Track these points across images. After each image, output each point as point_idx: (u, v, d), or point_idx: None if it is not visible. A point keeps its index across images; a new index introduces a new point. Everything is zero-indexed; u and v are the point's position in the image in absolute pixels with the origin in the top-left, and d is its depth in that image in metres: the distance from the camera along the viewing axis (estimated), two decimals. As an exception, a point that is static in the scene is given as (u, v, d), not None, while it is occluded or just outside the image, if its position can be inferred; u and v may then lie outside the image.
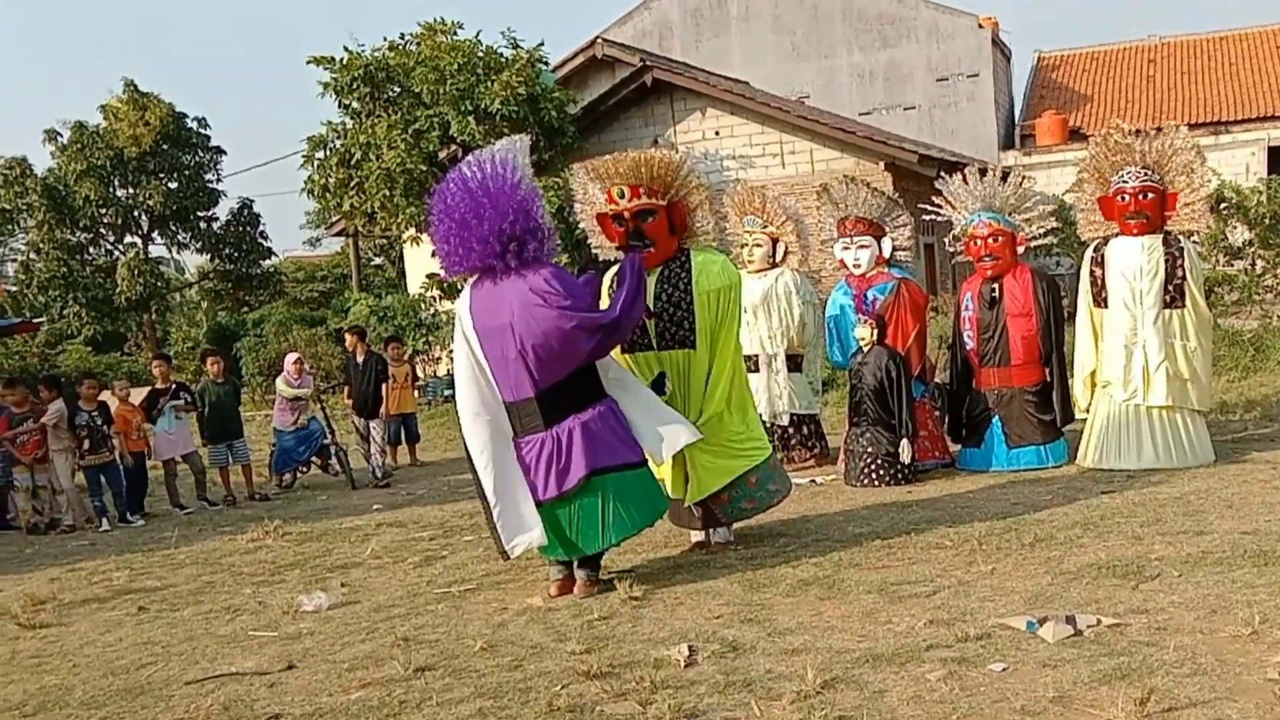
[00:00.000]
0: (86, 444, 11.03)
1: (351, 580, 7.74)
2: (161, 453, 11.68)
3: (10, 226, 30.85)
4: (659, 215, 7.40)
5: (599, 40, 23.04)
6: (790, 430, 11.01)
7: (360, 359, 13.30)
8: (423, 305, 20.86)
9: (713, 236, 7.89)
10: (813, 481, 10.06)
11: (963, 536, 7.26)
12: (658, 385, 7.15)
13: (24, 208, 27.28)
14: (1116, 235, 9.65)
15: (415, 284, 22.66)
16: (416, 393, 15.18)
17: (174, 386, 12.12)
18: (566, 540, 6.62)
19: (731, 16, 30.83)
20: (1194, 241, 10.15)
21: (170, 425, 11.70)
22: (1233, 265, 16.89)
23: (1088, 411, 9.88)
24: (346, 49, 19.80)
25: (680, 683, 5.02)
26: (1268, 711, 4.20)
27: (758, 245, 11.19)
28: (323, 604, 7.01)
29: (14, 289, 30.14)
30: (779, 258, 11.23)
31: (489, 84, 19.22)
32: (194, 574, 8.44)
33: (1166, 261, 9.38)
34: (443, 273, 7.12)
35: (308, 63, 19.81)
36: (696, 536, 7.70)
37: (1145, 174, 9.46)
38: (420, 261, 22.46)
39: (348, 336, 14.27)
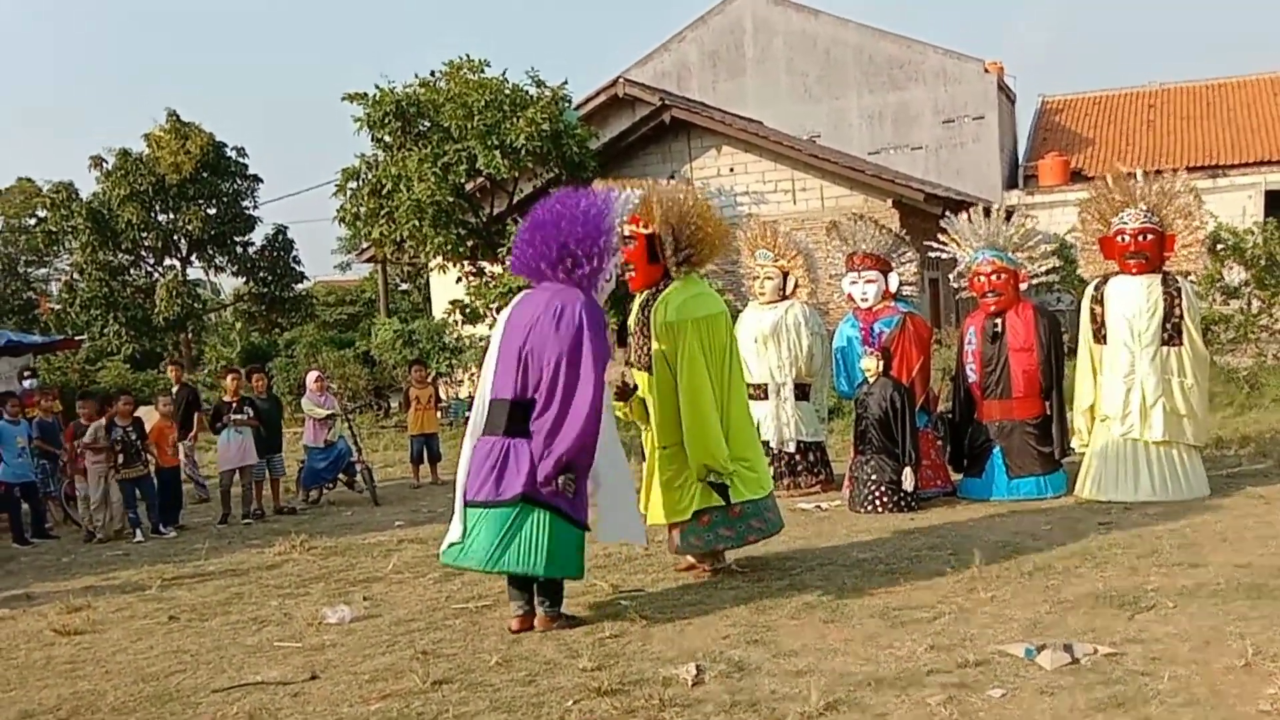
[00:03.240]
0: (121, 457, 11.06)
1: (374, 594, 7.73)
2: (225, 463, 11.73)
3: (56, 248, 31.11)
4: (637, 242, 7.32)
5: (620, 80, 23.14)
6: (797, 457, 10.98)
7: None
8: (447, 330, 20.89)
9: (710, 258, 7.89)
10: (818, 507, 10.02)
11: (963, 564, 7.21)
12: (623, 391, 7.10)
13: (69, 230, 27.47)
14: (1116, 274, 9.64)
15: (440, 309, 22.71)
16: (439, 414, 15.17)
17: (240, 400, 12.12)
18: (488, 548, 6.18)
19: (747, 59, 30.95)
20: (1191, 281, 10.12)
21: (232, 438, 11.73)
22: (1229, 305, 16.83)
23: (1086, 444, 9.83)
24: (378, 86, 19.95)
25: (688, 701, 5.00)
26: (1259, 742, 4.16)
27: (769, 278, 11.20)
28: (345, 617, 7.00)
29: (58, 307, 30.33)
30: (789, 290, 11.24)
31: (515, 120, 19.31)
32: (222, 585, 8.45)
33: (1165, 300, 9.36)
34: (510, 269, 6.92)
35: (342, 99, 19.95)
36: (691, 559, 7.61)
37: (1145, 215, 9.47)
38: (445, 288, 22.53)
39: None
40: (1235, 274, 16.99)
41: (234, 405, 11.87)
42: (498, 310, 6.72)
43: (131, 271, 28.96)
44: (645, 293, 7.43)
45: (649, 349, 7.26)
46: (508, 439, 6.25)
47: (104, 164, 27.34)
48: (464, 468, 6.43)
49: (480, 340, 16.46)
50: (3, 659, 6.68)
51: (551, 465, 6.13)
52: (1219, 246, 16.36)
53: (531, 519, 6.18)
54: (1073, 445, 9.99)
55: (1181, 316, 9.39)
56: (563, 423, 6.16)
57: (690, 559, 7.59)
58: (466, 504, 6.31)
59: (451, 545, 6.38)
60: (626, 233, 7.21)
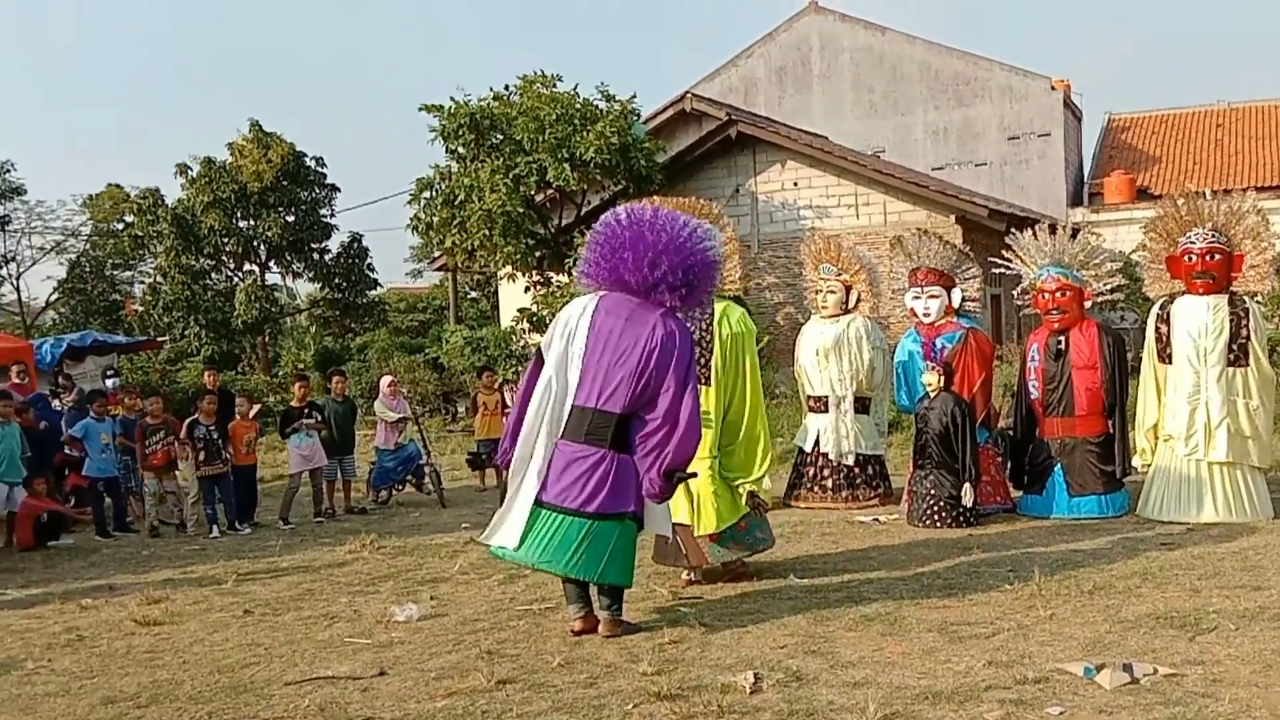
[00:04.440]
0: (203, 455, 11.29)
1: (440, 594, 7.82)
2: (294, 466, 11.94)
3: (141, 252, 31.83)
4: None
5: (688, 95, 23.21)
6: (856, 470, 10.91)
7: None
8: (514, 338, 21.08)
9: (739, 286, 7.98)
10: (876, 520, 9.95)
11: (1023, 581, 7.12)
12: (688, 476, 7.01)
13: (155, 235, 28.08)
14: (1182, 294, 9.47)
15: (507, 318, 22.92)
16: (504, 419, 15.30)
17: (307, 406, 12.35)
18: (554, 553, 6.19)
19: (814, 75, 30.88)
20: (1258, 302, 9.90)
21: (301, 442, 11.93)
22: (1296, 326, 16.42)
23: (1148, 464, 9.66)
24: (453, 99, 20.23)
25: (745, 709, 4.99)
26: (1323, 769, 4.06)
27: (832, 292, 11.15)
28: (413, 615, 7.08)
29: (141, 309, 31.02)
30: (852, 304, 11.18)
31: (584, 134, 19.46)
32: (295, 581, 8.59)
33: (1231, 321, 9.18)
34: (580, 271, 6.79)
35: (419, 109, 20.32)
36: (685, 575, 7.58)
37: (1212, 235, 9.31)
38: (513, 297, 22.73)
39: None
40: (1303, 295, 16.56)
41: (304, 411, 12.08)
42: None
43: (212, 276, 29.53)
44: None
45: (709, 361, 7.34)
46: (614, 453, 6.24)
47: (189, 171, 27.93)
48: (537, 468, 6.31)
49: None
50: (86, 647, 6.85)
51: (661, 478, 6.24)
52: (1287, 267, 15.97)
53: (619, 531, 6.29)
54: (1135, 464, 9.81)
55: (1248, 337, 9.20)
56: (673, 438, 6.22)
57: (689, 575, 7.54)
58: (542, 505, 6.24)
59: (519, 544, 6.26)
60: None
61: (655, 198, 8.07)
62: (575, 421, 6.30)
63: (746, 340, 7.55)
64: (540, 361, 6.57)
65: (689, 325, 6.65)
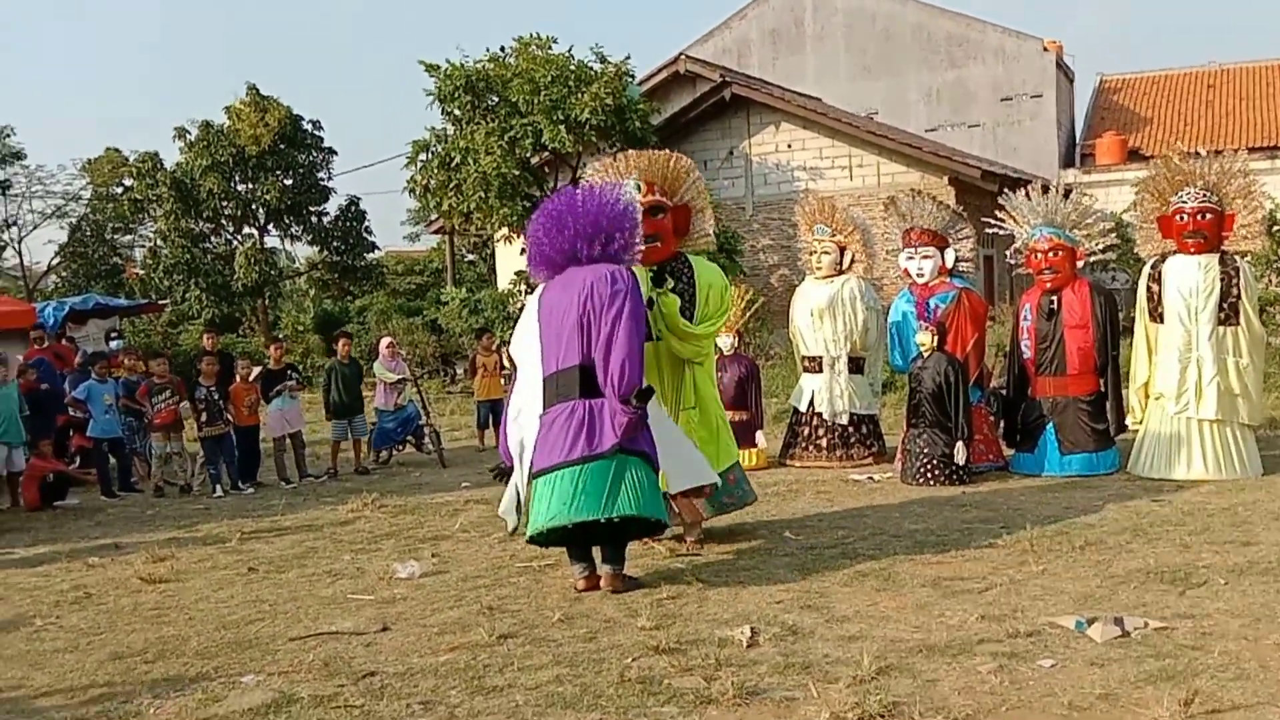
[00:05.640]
0: (204, 416, 11.28)
1: (441, 551, 7.84)
2: (274, 429, 11.89)
3: (141, 215, 31.60)
4: (667, 214, 7.57)
5: (682, 57, 22.99)
6: (850, 429, 10.92)
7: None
8: (511, 300, 21.02)
9: (711, 241, 8.00)
10: (870, 478, 9.96)
11: (1015, 537, 7.14)
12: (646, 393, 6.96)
13: (154, 198, 27.87)
14: (1174, 253, 9.44)
15: (505, 280, 22.85)
16: (503, 380, 15.30)
17: (285, 368, 12.33)
18: (584, 503, 6.15)
19: (807, 36, 30.61)
20: (1248, 261, 9.88)
21: (284, 404, 11.88)
22: (1285, 286, 16.42)
23: (1140, 422, 9.67)
24: (449, 61, 20.05)
25: (742, 662, 5.02)
26: (1310, 718, 4.09)
27: (826, 253, 11.11)
28: (415, 572, 7.10)
29: (142, 272, 30.88)
30: (845, 265, 11.15)
31: (579, 96, 19.29)
32: (298, 540, 8.61)
33: (1222, 280, 9.17)
34: (529, 271, 7.13)
35: (419, 62, 20.19)
36: (689, 538, 7.52)
37: (1204, 195, 9.27)
38: (510, 259, 22.64)
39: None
40: (1292, 255, 16.56)
41: (282, 373, 12.06)
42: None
43: (212, 239, 29.35)
44: (654, 267, 7.46)
45: (690, 313, 7.36)
46: (586, 400, 6.30)
47: (187, 135, 27.68)
48: (529, 443, 6.42)
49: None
50: (94, 604, 6.86)
51: (623, 385, 6.19)
52: (1275, 228, 15.93)
53: (631, 466, 6.26)
54: (1127, 423, 9.82)
55: (1239, 296, 9.18)
56: (617, 365, 6.24)
57: (692, 537, 7.48)
58: (546, 470, 6.27)
59: (547, 514, 6.27)
60: (650, 202, 7.41)
61: (627, 152, 7.99)
62: (549, 390, 6.47)
63: (727, 293, 7.73)
64: (514, 370, 6.81)
65: (628, 269, 6.67)
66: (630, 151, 8.10)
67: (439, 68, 20.00)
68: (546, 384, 6.47)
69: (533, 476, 6.38)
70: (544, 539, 6.43)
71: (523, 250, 7.79)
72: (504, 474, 7.03)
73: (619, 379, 6.22)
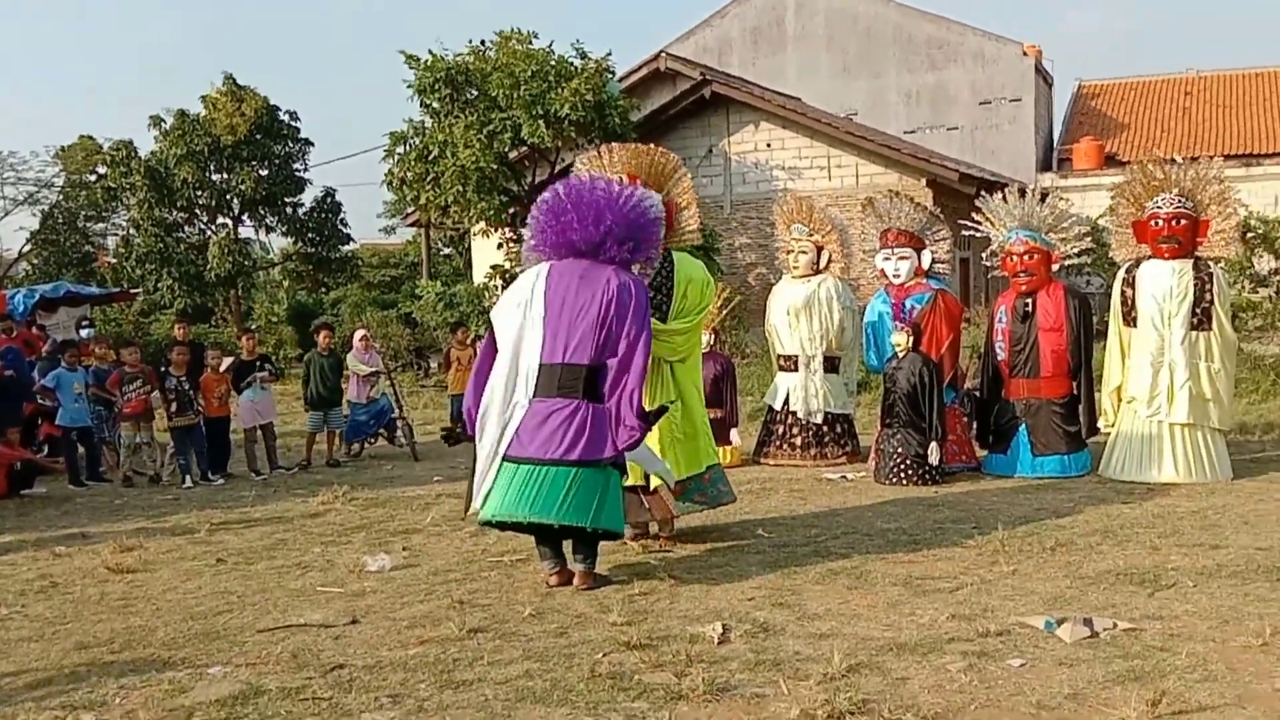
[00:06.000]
0: (174, 406, 11.18)
1: (412, 545, 7.80)
2: (245, 420, 11.80)
3: (114, 204, 31.26)
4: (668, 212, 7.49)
5: (663, 54, 23.00)
6: (824, 428, 10.96)
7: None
8: (487, 294, 20.95)
9: (697, 237, 8.00)
10: (844, 477, 10.00)
11: (986, 538, 7.18)
12: (660, 411, 6.91)
13: (128, 187, 27.58)
14: (1148, 258, 9.52)
15: (480, 274, 22.76)
16: (478, 375, 15.25)
17: (258, 359, 12.25)
18: (542, 503, 6.13)
19: (788, 36, 30.64)
20: (1221, 267, 9.97)
21: (255, 396, 11.80)
22: (1257, 293, 16.59)
23: (1112, 425, 9.74)
24: (431, 52, 19.97)
25: (714, 658, 5.02)
26: (1275, 719, 4.12)
27: (803, 252, 11.14)
28: (385, 565, 7.07)
29: (115, 261, 30.57)
30: (822, 264, 11.18)
31: (559, 91, 19.24)
32: (268, 531, 8.55)
33: (1196, 285, 9.25)
34: (528, 246, 6.89)
35: (399, 53, 20.13)
36: (649, 526, 7.54)
37: (1179, 201, 9.34)
38: (486, 253, 22.57)
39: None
40: (1265, 263, 16.72)
41: (254, 364, 11.98)
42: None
43: (186, 229, 29.08)
44: None
45: (666, 307, 7.34)
46: (587, 403, 6.25)
47: (162, 124, 27.43)
48: (511, 427, 6.30)
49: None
50: (60, 593, 6.79)
51: (634, 418, 6.24)
52: (1249, 235, 16.08)
53: (605, 477, 6.29)
54: (1099, 425, 9.89)
55: (1212, 301, 9.27)
56: (626, 379, 6.28)
57: (664, 533, 7.49)
58: (519, 460, 6.21)
59: (487, 502, 6.27)
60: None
61: (613, 145, 7.95)
62: (545, 379, 6.33)
63: (707, 290, 7.67)
64: (492, 336, 6.64)
65: (641, 277, 6.73)
66: (616, 145, 8.04)
67: (419, 59, 19.92)
68: (544, 371, 6.33)
69: (505, 459, 6.29)
70: (494, 525, 6.43)
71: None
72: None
73: (639, 395, 6.25)
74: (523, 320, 6.48)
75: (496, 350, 6.57)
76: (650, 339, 6.47)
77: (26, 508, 10.22)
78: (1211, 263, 9.45)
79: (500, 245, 21.22)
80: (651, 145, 7.97)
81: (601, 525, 6.27)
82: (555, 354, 6.34)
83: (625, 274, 6.51)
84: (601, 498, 6.25)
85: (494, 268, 20.91)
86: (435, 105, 20.20)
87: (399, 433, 12.89)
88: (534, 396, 6.32)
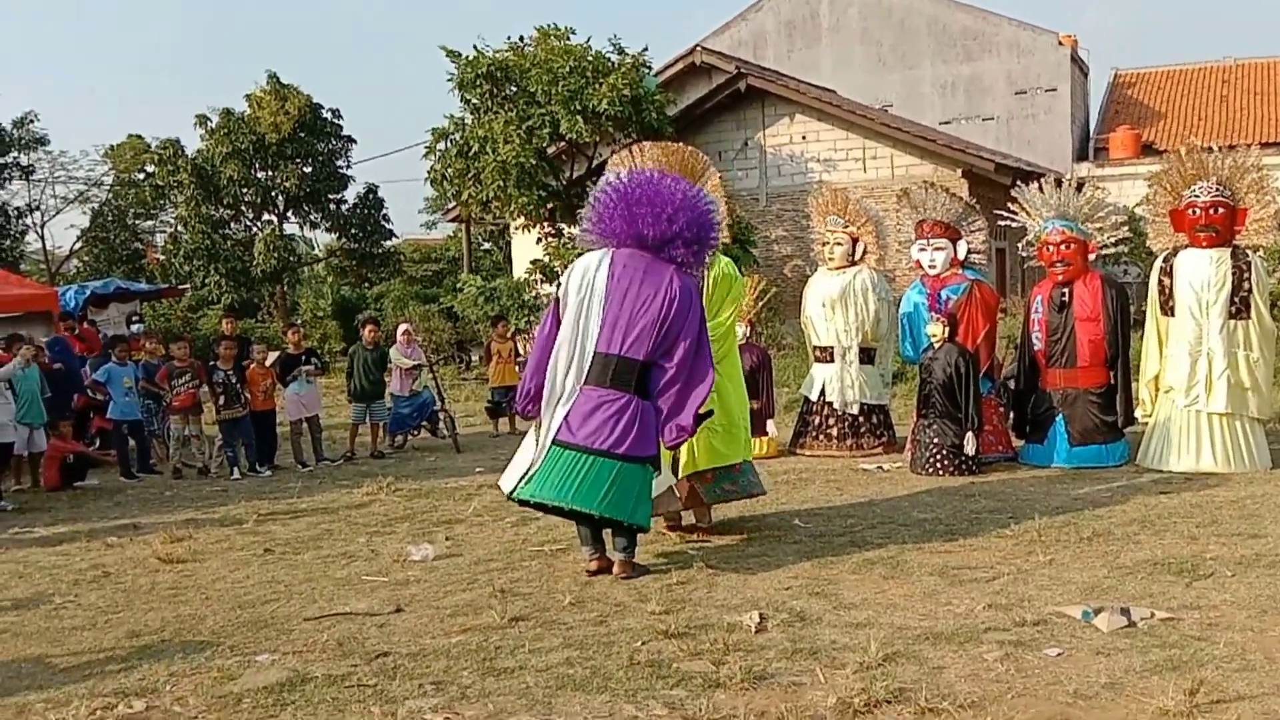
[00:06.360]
0: (222, 399, 11.32)
1: (455, 535, 7.86)
2: (291, 413, 11.92)
3: (162, 201, 31.68)
4: None
5: (698, 48, 22.94)
6: (860, 419, 10.90)
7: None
8: (526, 288, 21.02)
9: (727, 236, 8.03)
10: (879, 468, 9.95)
11: (1023, 527, 7.12)
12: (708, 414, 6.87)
13: (175, 185, 27.94)
14: (1186, 247, 9.38)
15: (521, 268, 22.85)
16: (518, 367, 15.33)
17: (304, 353, 12.36)
18: (582, 491, 6.16)
19: (823, 29, 30.44)
20: (1260, 256, 9.81)
21: (301, 389, 11.91)
22: (1296, 281, 16.27)
23: (1149, 415, 9.62)
24: (475, 47, 20.07)
25: (751, 647, 5.02)
26: (1315, 710, 4.07)
27: (839, 244, 11.08)
28: (429, 555, 7.13)
29: (163, 258, 30.99)
30: (858, 256, 11.10)
31: (597, 86, 19.25)
32: (314, 522, 8.64)
33: (1234, 274, 9.11)
34: (586, 228, 6.80)
35: (440, 48, 20.27)
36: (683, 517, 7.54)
37: (1217, 189, 9.20)
38: (526, 248, 22.64)
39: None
40: (1304, 250, 16.41)
41: (300, 358, 12.09)
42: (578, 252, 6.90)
43: (232, 225, 29.43)
44: None
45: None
46: (637, 399, 6.29)
47: (208, 123, 27.74)
48: (562, 411, 6.30)
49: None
50: (112, 582, 6.91)
51: (691, 419, 6.37)
52: (1289, 223, 15.81)
53: (650, 477, 6.41)
54: (1136, 415, 9.77)
55: (1250, 290, 9.13)
56: (694, 384, 6.35)
57: (674, 521, 7.46)
58: (567, 445, 6.23)
59: (530, 482, 6.27)
60: None
61: (644, 144, 7.97)
62: (598, 367, 6.32)
63: (735, 285, 7.62)
64: (557, 309, 6.58)
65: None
66: (648, 143, 8.07)
67: (460, 54, 20.02)
68: (596, 360, 6.33)
69: (554, 443, 6.28)
70: (527, 503, 6.50)
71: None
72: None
73: (696, 402, 6.33)
74: (583, 301, 6.44)
75: (558, 323, 6.53)
76: (709, 347, 6.49)
77: (79, 499, 10.40)
78: (1250, 251, 9.30)
79: (539, 240, 21.28)
80: (681, 144, 8.01)
81: (635, 521, 6.33)
82: (612, 344, 6.33)
83: (685, 277, 6.52)
84: (640, 494, 6.33)
85: (534, 262, 20.97)
86: (475, 101, 20.30)
87: (441, 425, 12.97)
88: (585, 384, 6.32)
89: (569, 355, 6.40)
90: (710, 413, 6.70)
